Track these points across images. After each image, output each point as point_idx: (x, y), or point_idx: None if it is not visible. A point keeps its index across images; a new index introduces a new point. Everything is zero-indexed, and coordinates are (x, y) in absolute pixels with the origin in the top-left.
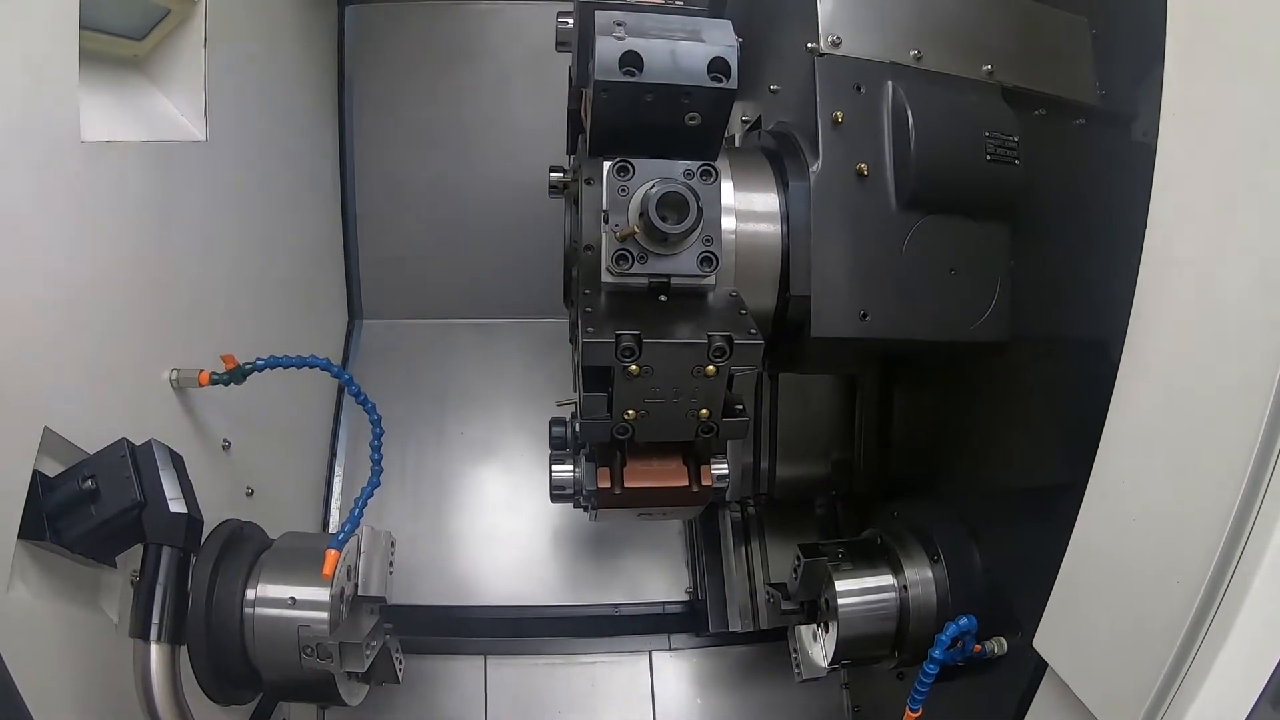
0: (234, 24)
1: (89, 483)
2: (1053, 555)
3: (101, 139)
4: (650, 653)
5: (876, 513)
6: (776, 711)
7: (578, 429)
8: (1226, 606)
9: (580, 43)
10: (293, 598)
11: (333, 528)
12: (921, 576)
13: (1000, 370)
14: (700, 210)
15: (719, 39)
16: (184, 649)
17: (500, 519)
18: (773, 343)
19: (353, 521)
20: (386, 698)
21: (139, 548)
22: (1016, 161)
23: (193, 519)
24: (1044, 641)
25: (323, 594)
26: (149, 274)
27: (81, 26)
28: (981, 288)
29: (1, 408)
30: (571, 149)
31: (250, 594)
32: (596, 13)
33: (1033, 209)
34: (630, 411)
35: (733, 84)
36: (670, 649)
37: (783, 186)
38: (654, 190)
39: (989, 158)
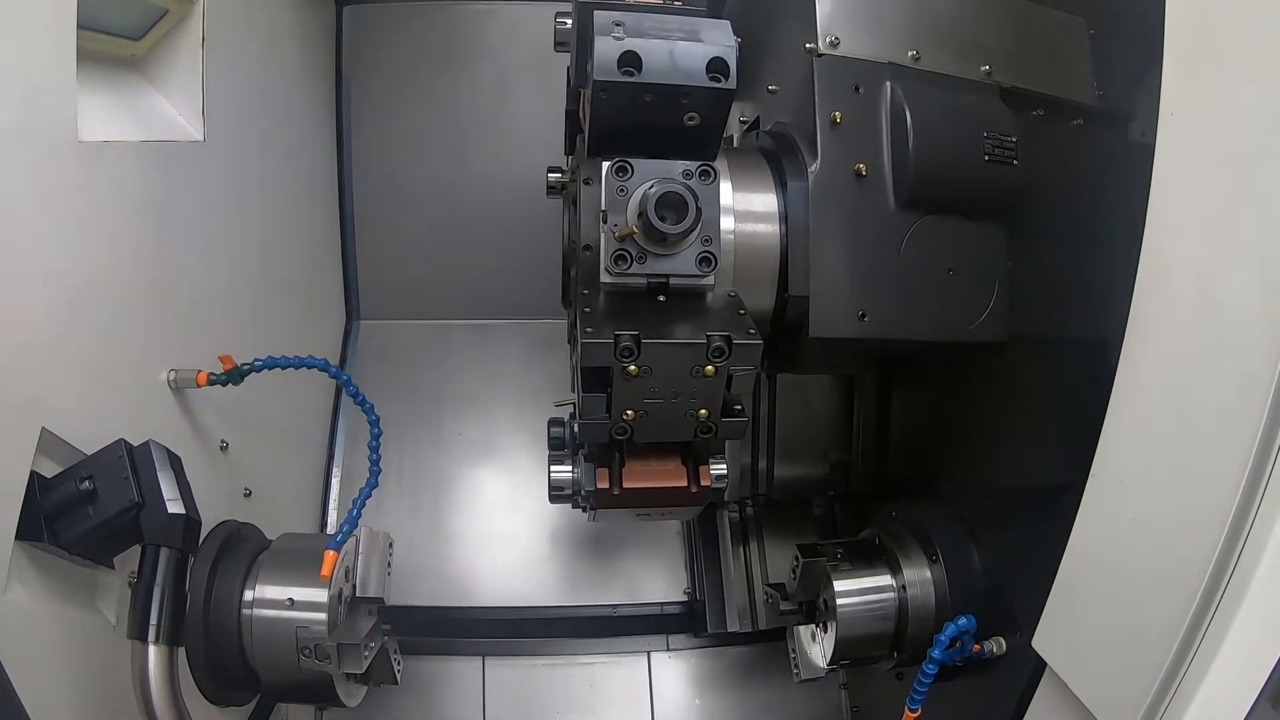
0: (232, 24)
1: (87, 483)
2: (1051, 555)
3: (99, 139)
4: (649, 653)
5: (875, 513)
6: (775, 712)
7: (576, 429)
8: (1225, 606)
9: (579, 43)
10: (291, 599)
11: (331, 529)
12: (920, 577)
13: (999, 370)
14: (699, 210)
15: (718, 39)
16: (182, 650)
17: (498, 520)
18: (771, 343)
19: (351, 522)
20: (385, 699)
21: (137, 549)
22: (1015, 162)
23: (191, 520)
24: (1043, 641)
25: (321, 595)
26: (146, 274)
27: (79, 26)
28: (980, 288)
29: None
30: (570, 149)
31: (248, 595)
32: (595, 13)
33: (1031, 209)
34: (629, 412)
35: (731, 84)
36: (669, 649)
37: (781, 187)
38: (653, 190)
39: (987, 158)
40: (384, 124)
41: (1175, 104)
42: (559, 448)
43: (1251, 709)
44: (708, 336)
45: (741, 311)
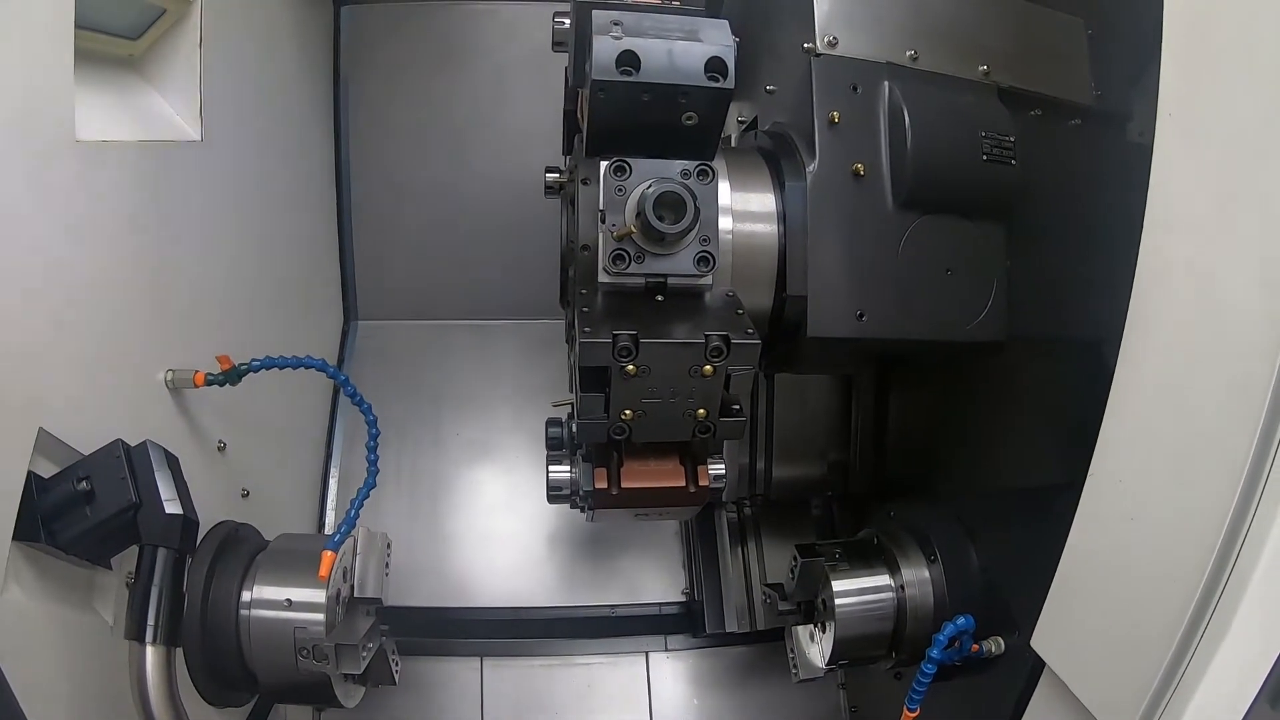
0: (229, 24)
1: (84, 484)
2: (1050, 555)
3: (96, 139)
4: (647, 654)
5: (873, 513)
6: (774, 712)
7: (574, 429)
8: (1224, 605)
9: (577, 42)
10: (289, 599)
11: (329, 529)
12: (918, 576)
13: (997, 370)
14: (697, 210)
15: (716, 38)
16: (179, 651)
17: (497, 520)
18: (769, 343)
19: (349, 523)
20: (383, 699)
21: (134, 549)
22: (1013, 162)
23: (188, 520)
24: (1041, 641)
25: (319, 596)
26: (144, 274)
27: (77, 26)
28: (978, 288)
29: None
30: (568, 149)
31: (246, 596)
32: (594, 12)
33: (1029, 209)
34: (627, 411)
35: (730, 83)
36: (667, 650)
37: (779, 187)
38: (651, 190)
39: (985, 158)
40: (382, 124)
41: (1173, 104)
42: (557, 448)
43: (1250, 708)
44: (706, 336)
45: (739, 311)
